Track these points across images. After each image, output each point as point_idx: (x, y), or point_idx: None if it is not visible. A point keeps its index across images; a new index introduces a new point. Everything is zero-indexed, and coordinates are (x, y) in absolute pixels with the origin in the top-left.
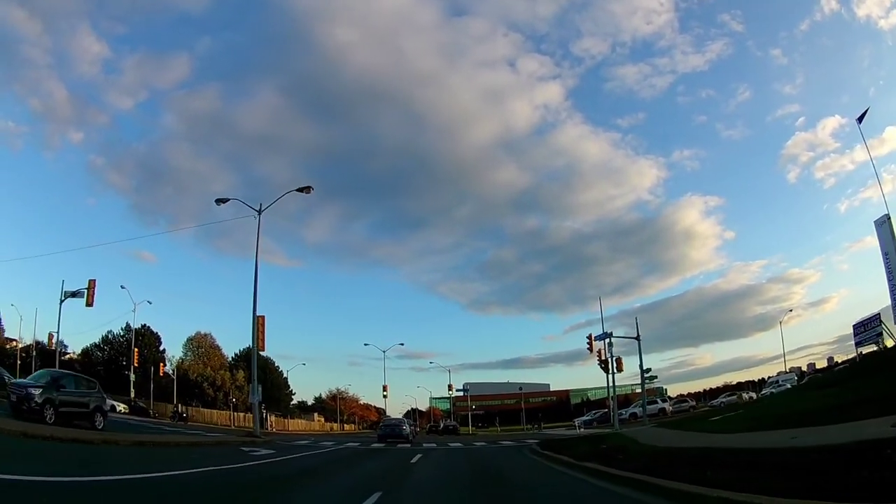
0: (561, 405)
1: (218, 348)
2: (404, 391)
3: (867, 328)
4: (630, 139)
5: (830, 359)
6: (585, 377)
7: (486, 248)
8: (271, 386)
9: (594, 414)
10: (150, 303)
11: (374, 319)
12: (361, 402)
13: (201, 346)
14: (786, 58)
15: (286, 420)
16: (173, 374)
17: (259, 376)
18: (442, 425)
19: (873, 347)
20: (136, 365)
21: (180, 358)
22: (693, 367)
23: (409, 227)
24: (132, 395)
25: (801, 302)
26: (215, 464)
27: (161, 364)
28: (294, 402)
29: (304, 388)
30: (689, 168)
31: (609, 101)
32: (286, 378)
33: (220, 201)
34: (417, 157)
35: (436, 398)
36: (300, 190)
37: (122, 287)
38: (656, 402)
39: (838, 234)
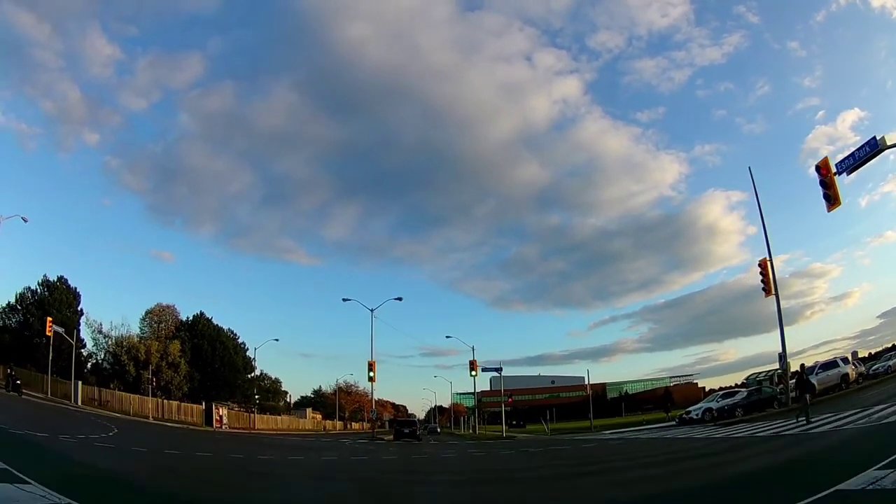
0: (597, 399)
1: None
2: (429, 388)
3: None
4: (651, 134)
5: (854, 353)
6: (614, 372)
7: (509, 245)
8: (221, 365)
9: (724, 397)
10: (26, 220)
11: (396, 318)
12: (375, 398)
13: (162, 320)
14: (804, 50)
15: (250, 415)
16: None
17: (205, 350)
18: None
19: None
20: None
21: (137, 335)
22: (718, 363)
23: (430, 224)
24: None
25: (824, 297)
26: None
27: (49, 322)
28: (293, 398)
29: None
30: (711, 163)
31: (628, 96)
32: (252, 359)
33: None
34: (437, 154)
35: (459, 393)
36: None
37: None
38: (836, 365)
39: (860, 228)
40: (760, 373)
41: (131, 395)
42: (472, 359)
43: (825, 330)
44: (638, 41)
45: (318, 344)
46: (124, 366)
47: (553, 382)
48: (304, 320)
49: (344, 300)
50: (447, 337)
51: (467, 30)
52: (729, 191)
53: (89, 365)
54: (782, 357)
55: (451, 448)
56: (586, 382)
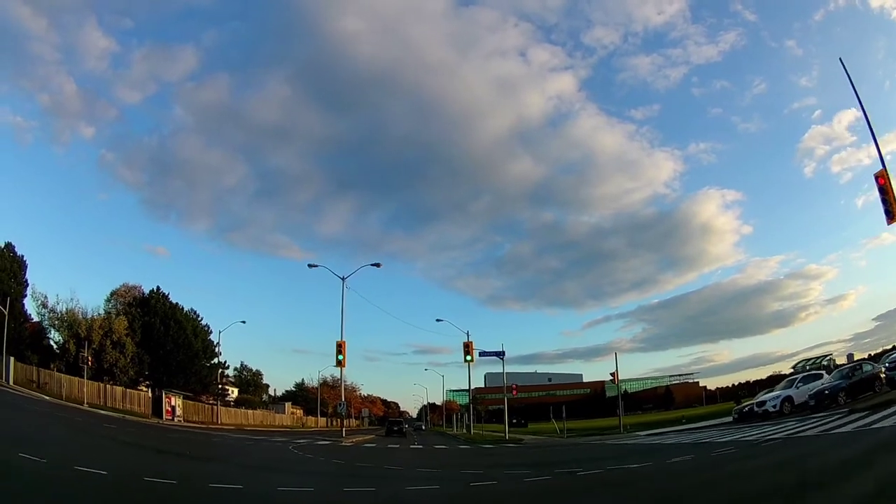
0: (596, 398)
1: None
2: (420, 384)
3: None
4: (645, 131)
5: (850, 356)
6: (608, 372)
7: (503, 242)
8: (174, 346)
9: (805, 381)
10: None
11: (387, 313)
12: (363, 394)
13: (129, 301)
14: (801, 49)
15: (213, 408)
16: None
17: (157, 329)
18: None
19: None
20: None
21: (100, 314)
22: (712, 364)
23: (424, 220)
24: None
25: (819, 298)
26: None
27: None
28: (280, 393)
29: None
30: (706, 161)
31: (623, 93)
32: (216, 342)
33: None
34: (431, 149)
35: (452, 390)
36: None
37: None
38: None
39: (855, 229)
40: (811, 359)
41: (71, 378)
42: (466, 341)
43: (820, 332)
44: (633, 38)
45: (313, 340)
46: (65, 343)
47: (550, 380)
48: (298, 316)
49: (310, 266)
50: (438, 320)
51: (462, 25)
52: (724, 189)
53: (50, 344)
54: None
55: (436, 458)
56: (584, 381)
